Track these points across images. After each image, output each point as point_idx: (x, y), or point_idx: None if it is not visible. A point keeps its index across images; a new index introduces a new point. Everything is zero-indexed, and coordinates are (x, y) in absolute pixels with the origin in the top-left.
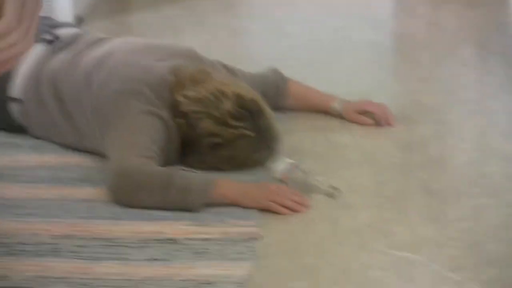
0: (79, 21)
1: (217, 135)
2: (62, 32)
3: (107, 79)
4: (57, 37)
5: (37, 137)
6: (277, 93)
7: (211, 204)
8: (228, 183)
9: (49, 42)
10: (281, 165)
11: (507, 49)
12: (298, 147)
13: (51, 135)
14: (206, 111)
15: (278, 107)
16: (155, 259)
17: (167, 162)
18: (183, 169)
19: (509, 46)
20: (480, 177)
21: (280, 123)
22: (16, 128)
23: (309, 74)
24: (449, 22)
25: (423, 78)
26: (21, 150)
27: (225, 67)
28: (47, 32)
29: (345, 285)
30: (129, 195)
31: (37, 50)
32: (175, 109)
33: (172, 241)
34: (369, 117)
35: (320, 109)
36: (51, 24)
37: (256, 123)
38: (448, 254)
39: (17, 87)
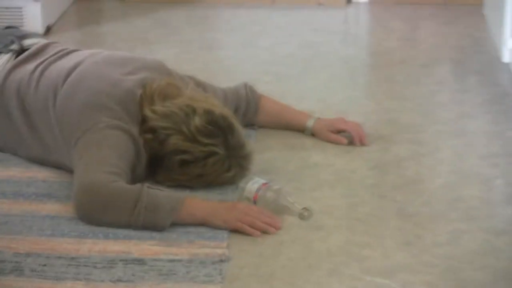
0: (48, 31)
1: (186, 152)
2: (30, 42)
3: (74, 91)
4: (23, 48)
5: (2, 150)
6: (249, 109)
7: (179, 224)
8: (197, 202)
9: (16, 52)
10: (252, 184)
11: (484, 67)
12: (270, 165)
13: (17, 148)
14: (175, 127)
15: (249, 124)
16: (120, 281)
17: (135, 178)
18: (151, 187)
19: (486, 64)
20: (457, 200)
21: (252, 140)
22: None
23: (282, 89)
24: (426, 39)
25: (399, 96)
26: None
27: (196, 81)
28: (14, 42)
29: None
30: (95, 213)
31: (3, 61)
32: (144, 124)
33: (139, 261)
34: (342, 136)
35: (292, 127)
36: (19, 35)
37: (226, 140)
38: (423, 281)
39: None
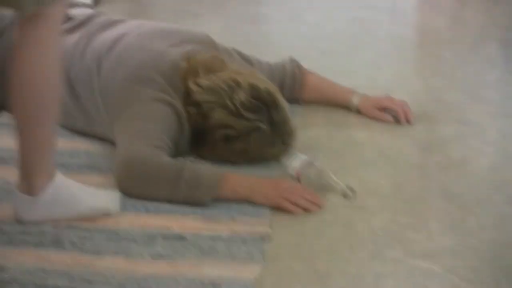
0: (97, 1)
1: (230, 127)
2: (76, 12)
3: (118, 63)
4: (70, 18)
5: None
6: (294, 84)
7: (221, 199)
8: (239, 178)
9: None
10: (295, 161)
11: None
12: (314, 142)
13: (61, 119)
14: (219, 101)
15: (294, 99)
16: (161, 256)
17: (177, 152)
18: (194, 161)
19: None
20: (503, 183)
21: (296, 116)
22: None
23: (328, 65)
24: (474, 18)
25: (446, 75)
26: None
27: (241, 55)
28: None
29: None
30: (136, 186)
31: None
32: (187, 98)
33: (180, 237)
34: (388, 113)
35: (338, 103)
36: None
37: (271, 116)
38: (467, 266)
39: None
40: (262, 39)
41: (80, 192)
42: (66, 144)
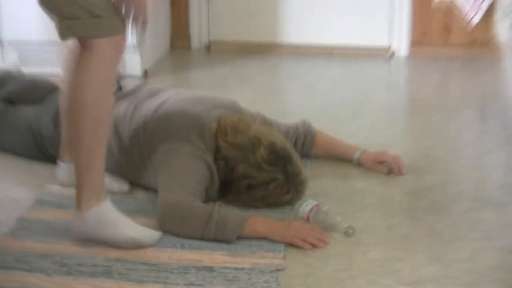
0: (145, 74)
1: (252, 177)
2: (126, 82)
3: (162, 125)
4: (120, 87)
5: None
6: (306, 142)
7: (244, 237)
8: (259, 220)
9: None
10: (306, 205)
11: (503, 112)
12: (322, 190)
13: (114, 171)
14: (244, 155)
15: (306, 154)
16: (193, 284)
17: (208, 199)
18: (222, 206)
19: (505, 110)
20: (477, 223)
21: (307, 168)
22: None
23: (336, 127)
24: (456, 87)
25: (432, 135)
26: None
27: (263, 118)
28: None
29: None
30: (174, 226)
31: None
32: (217, 153)
33: (209, 269)
34: (384, 166)
35: (342, 158)
36: (117, 76)
37: (285, 168)
38: None
39: None
40: (281, 105)
41: (122, 219)
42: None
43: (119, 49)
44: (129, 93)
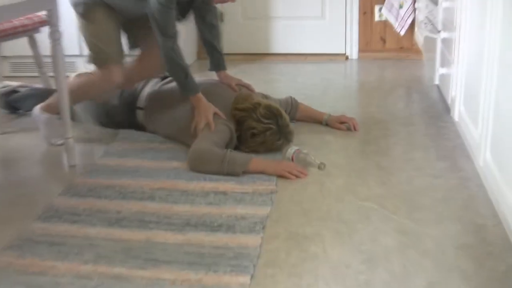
0: None
1: (254, 128)
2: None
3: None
4: (166, 76)
5: (152, 132)
6: (292, 110)
7: (248, 172)
8: (258, 160)
9: (162, 78)
10: (291, 149)
11: (422, 90)
12: (302, 141)
13: (161, 131)
14: (249, 114)
15: (292, 118)
16: (212, 204)
17: (229, 146)
18: (232, 151)
19: (422, 89)
20: (410, 160)
21: (292, 127)
22: (139, 127)
23: (310, 101)
24: (390, 77)
25: (375, 105)
26: (142, 139)
27: (265, 95)
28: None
29: (327, 223)
30: (199, 165)
31: (154, 81)
32: (233, 118)
33: (223, 193)
34: (344, 125)
35: (315, 120)
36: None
37: (278, 121)
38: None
39: (142, 101)
40: (274, 90)
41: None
42: (163, 145)
43: (112, 75)
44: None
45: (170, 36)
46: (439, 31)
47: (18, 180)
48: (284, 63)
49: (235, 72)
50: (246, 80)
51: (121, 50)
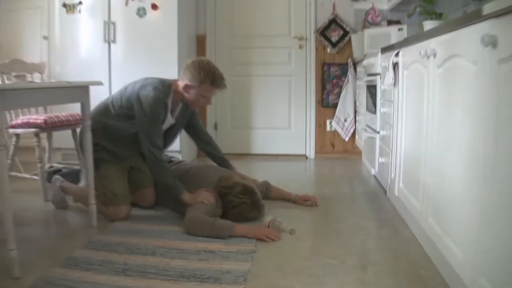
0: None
1: (233, 202)
2: (174, 159)
3: (195, 180)
4: (171, 161)
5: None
6: (267, 190)
7: (232, 236)
8: (241, 226)
9: (167, 162)
10: (266, 218)
11: (362, 181)
12: (276, 213)
13: (165, 204)
14: (229, 191)
15: (267, 197)
16: (202, 260)
17: (214, 216)
18: (219, 219)
19: (363, 180)
20: (360, 227)
21: (267, 203)
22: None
23: (280, 186)
24: (338, 172)
25: (327, 187)
26: (147, 210)
27: (244, 177)
28: (167, 158)
29: (299, 277)
30: (193, 230)
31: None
32: (218, 193)
33: (212, 252)
34: (308, 202)
35: (285, 199)
36: (169, 156)
37: (252, 197)
38: (351, 261)
39: None
40: (255, 176)
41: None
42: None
43: (119, 212)
44: (175, 162)
45: (158, 147)
46: (378, 132)
47: (51, 236)
48: (261, 160)
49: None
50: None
51: (126, 193)
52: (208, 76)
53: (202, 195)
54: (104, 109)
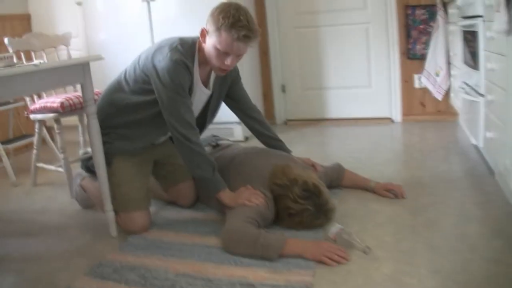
0: (246, 139)
1: (291, 208)
2: (222, 142)
3: (237, 170)
4: (218, 144)
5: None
6: (338, 177)
7: (283, 256)
8: (295, 241)
9: (213, 146)
10: (333, 228)
11: (460, 151)
12: (347, 212)
13: (208, 201)
14: (285, 193)
15: (337, 186)
16: None
17: (266, 224)
18: (267, 231)
19: (461, 150)
20: (464, 236)
21: (337, 195)
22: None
23: (357, 166)
24: (431, 139)
25: (419, 168)
26: (184, 211)
27: (308, 163)
28: (213, 141)
29: None
30: (232, 247)
31: (208, 149)
32: (272, 192)
33: (251, 285)
34: (391, 192)
35: (362, 187)
36: (218, 138)
37: (315, 201)
38: None
39: None
40: (326, 154)
41: None
42: (202, 216)
43: (131, 222)
44: (223, 148)
45: (189, 125)
46: (482, 95)
47: (56, 253)
48: (336, 127)
49: (294, 135)
50: (304, 143)
51: (142, 195)
52: (227, 20)
53: (244, 196)
54: (116, 87)
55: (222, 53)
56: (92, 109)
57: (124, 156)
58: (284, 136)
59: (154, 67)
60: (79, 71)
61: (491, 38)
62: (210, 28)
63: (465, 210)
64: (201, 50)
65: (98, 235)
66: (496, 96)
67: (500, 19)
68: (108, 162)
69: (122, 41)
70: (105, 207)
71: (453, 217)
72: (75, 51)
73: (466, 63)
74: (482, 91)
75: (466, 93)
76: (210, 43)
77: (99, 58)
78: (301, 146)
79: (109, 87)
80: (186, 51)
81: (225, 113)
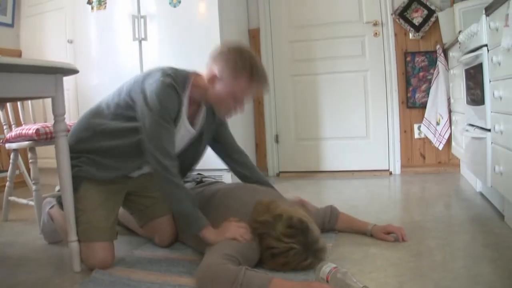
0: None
1: (274, 248)
2: (207, 179)
3: (219, 206)
4: (202, 181)
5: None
6: (331, 219)
7: None
8: (281, 282)
9: (197, 182)
10: (325, 267)
11: (462, 201)
12: (343, 255)
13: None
14: (267, 230)
15: (332, 229)
16: None
17: (249, 262)
18: (249, 269)
19: (462, 200)
20: (477, 276)
21: (332, 239)
22: None
23: (355, 212)
24: (431, 189)
25: (422, 214)
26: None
27: (294, 203)
28: (198, 178)
29: None
30: (206, 285)
31: (190, 185)
32: (254, 231)
33: None
34: (391, 236)
35: (359, 231)
36: (202, 176)
37: (302, 239)
38: None
39: None
40: (320, 201)
41: None
42: (175, 256)
43: (92, 254)
44: (205, 185)
45: (169, 156)
46: (488, 130)
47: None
48: (332, 179)
49: (287, 185)
50: (297, 191)
51: (108, 225)
52: (248, 67)
53: (231, 230)
54: (94, 111)
55: (238, 100)
56: (62, 126)
57: (94, 182)
58: (276, 186)
59: (143, 90)
60: (51, 81)
61: (496, 64)
62: (225, 73)
63: (475, 252)
64: (195, 87)
65: (60, 269)
66: (504, 125)
67: (509, 31)
68: (76, 187)
69: (113, 82)
70: (68, 236)
71: (463, 259)
72: (65, 90)
73: (469, 103)
74: (488, 125)
75: (470, 132)
76: (223, 89)
77: (74, 70)
78: (294, 194)
79: (86, 113)
80: (179, 80)
81: (214, 159)
